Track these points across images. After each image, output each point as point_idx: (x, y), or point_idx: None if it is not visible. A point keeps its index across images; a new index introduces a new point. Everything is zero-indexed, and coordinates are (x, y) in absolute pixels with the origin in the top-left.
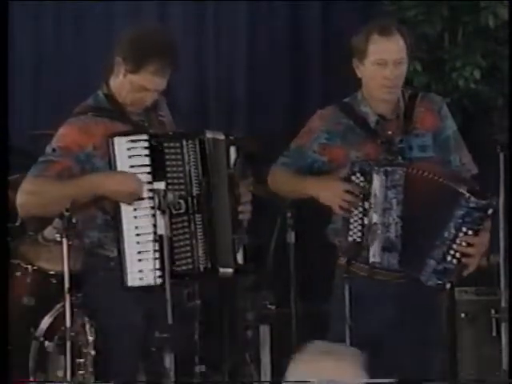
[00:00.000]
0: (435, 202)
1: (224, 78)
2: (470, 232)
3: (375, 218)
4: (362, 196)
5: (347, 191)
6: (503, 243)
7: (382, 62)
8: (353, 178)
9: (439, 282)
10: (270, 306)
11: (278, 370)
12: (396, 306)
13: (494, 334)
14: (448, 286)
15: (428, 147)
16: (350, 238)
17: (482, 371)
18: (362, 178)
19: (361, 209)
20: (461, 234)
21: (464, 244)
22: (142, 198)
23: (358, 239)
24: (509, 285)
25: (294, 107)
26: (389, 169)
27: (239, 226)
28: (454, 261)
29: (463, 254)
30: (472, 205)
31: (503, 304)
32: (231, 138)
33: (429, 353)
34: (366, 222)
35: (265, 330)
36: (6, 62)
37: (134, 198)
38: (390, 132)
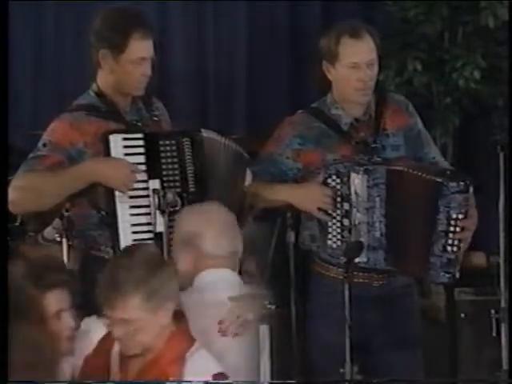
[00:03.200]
0: (419, 197)
1: (224, 77)
2: (460, 216)
3: (359, 217)
4: (339, 199)
5: (326, 194)
6: (503, 243)
7: (355, 65)
8: (329, 180)
9: (448, 275)
10: (269, 306)
11: (278, 370)
12: (378, 308)
13: (494, 334)
14: (458, 275)
15: (400, 147)
16: (329, 242)
17: (482, 371)
18: (338, 180)
19: (339, 211)
20: (452, 222)
21: (458, 229)
22: (138, 196)
23: (338, 242)
24: (509, 285)
25: (295, 107)
26: (370, 167)
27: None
28: (455, 249)
29: (460, 239)
30: (453, 190)
31: (503, 304)
32: (233, 137)
33: (410, 353)
34: (345, 223)
35: (265, 330)
36: (6, 62)
37: (128, 184)
38: (363, 133)
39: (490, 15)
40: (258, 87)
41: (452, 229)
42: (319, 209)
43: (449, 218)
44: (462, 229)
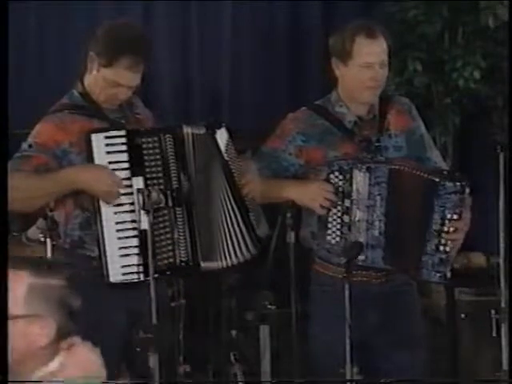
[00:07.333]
0: (417, 196)
1: (208, 75)
2: (455, 216)
3: (358, 215)
4: (341, 195)
5: (328, 191)
6: (503, 243)
7: (369, 64)
8: (331, 177)
9: (439, 274)
10: (270, 306)
11: (278, 370)
12: (378, 307)
13: (494, 334)
14: (449, 274)
15: (402, 148)
16: (328, 238)
17: (482, 371)
18: (340, 177)
19: (339, 208)
20: (446, 222)
21: (452, 229)
22: (122, 194)
23: (337, 238)
24: (509, 285)
25: (293, 106)
26: (372, 166)
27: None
28: (447, 248)
29: (453, 239)
30: (449, 190)
31: (503, 304)
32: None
33: (412, 353)
34: (345, 220)
35: (265, 330)
36: (6, 62)
37: (111, 195)
38: (366, 132)
39: (490, 15)
40: (244, 85)
41: (445, 229)
42: (321, 206)
43: (443, 218)
44: (455, 230)
